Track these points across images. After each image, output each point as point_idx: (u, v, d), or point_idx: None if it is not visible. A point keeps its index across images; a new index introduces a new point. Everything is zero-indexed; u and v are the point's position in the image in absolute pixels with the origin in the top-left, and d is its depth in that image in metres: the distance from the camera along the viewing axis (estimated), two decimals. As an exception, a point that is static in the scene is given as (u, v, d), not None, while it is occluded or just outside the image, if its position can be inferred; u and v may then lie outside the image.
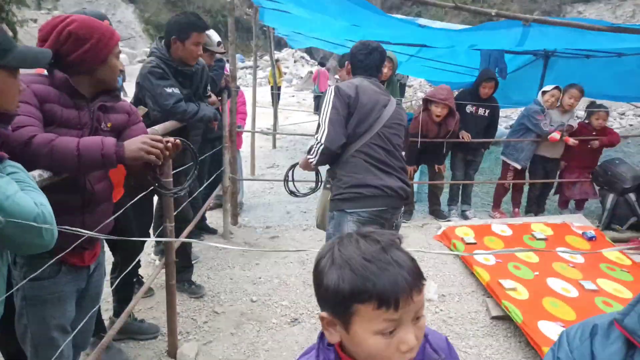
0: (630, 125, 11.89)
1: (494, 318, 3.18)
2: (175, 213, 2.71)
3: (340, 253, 0.84)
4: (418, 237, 4.57)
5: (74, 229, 1.15)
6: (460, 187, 5.23)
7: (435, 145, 4.76)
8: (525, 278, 3.45)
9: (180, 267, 3.29)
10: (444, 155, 4.92)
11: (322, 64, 15.78)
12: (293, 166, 2.99)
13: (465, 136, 4.77)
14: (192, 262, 3.61)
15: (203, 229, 4.51)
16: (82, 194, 1.80)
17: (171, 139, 1.81)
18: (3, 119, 1.31)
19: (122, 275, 2.58)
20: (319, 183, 2.99)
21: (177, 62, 2.98)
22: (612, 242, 4.23)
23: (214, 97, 3.67)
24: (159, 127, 2.54)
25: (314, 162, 2.46)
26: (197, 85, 3.23)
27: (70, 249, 1.73)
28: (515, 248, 3.85)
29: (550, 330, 2.77)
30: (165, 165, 2.02)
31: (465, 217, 5.13)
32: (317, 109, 14.86)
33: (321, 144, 2.37)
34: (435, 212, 5.16)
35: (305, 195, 3.05)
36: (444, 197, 5.42)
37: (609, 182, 4.78)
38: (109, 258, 2.70)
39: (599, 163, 5.10)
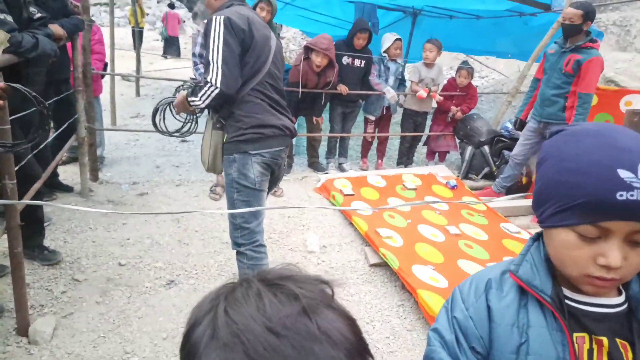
0: (486, 80, 13.25)
1: (372, 265, 3.30)
2: (16, 168, 2.23)
3: (228, 319, 0.47)
4: (298, 189, 4.53)
5: None
6: (338, 139, 5.29)
7: (314, 96, 4.69)
8: (400, 226, 3.63)
9: (27, 231, 2.79)
10: (322, 107, 4.88)
11: (171, 6, 15.42)
12: (167, 104, 2.69)
13: (343, 89, 4.77)
14: (44, 225, 3.10)
15: (55, 187, 3.90)
16: None
17: (1, 84, 1.40)
18: None
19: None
20: (194, 123, 2.78)
21: None
22: (470, 190, 4.67)
23: (58, 29, 3.04)
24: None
25: (202, 105, 2.23)
26: (21, 12, 2.60)
27: None
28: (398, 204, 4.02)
29: (423, 274, 2.96)
30: None
31: (343, 169, 5.23)
32: (165, 52, 14.16)
33: (216, 87, 2.13)
34: (314, 164, 5.17)
35: (181, 135, 2.80)
36: (322, 150, 5.45)
37: (467, 136, 5.22)
38: None
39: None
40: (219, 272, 3.12)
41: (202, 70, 4.11)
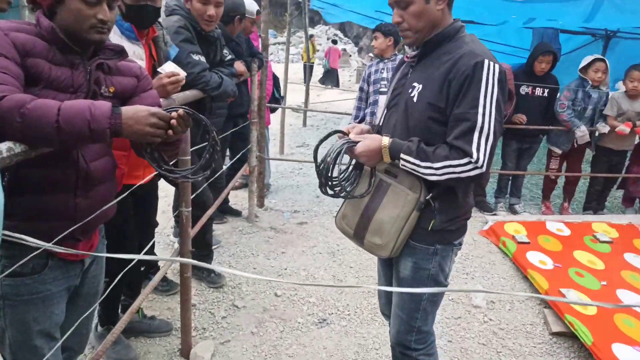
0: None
1: (554, 334, 2.74)
2: (192, 196, 2.36)
3: None
4: (461, 231, 4.13)
5: (24, 238, 0.75)
6: (510, 178, 4.74)
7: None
8: (591, 288, 2.99)
9: (199, 255, 2.98)
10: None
11: (334, 42, 17.89)
12: (338, 153, 1.62)
13: (521, 119, 4.25)
14: (212, 248, 3.29)
15: (226, 211, 4.19)
16: (75, 171, 1.45)
17: (180, 110, 1.42)
18: None
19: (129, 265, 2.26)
20: (370, 184, 1.73)
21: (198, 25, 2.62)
22: (688, 249, 3.69)
23: (241, 66, 3.27)
24: (177, 97, 2.17)
25: (440, 179, 1.52)
26: (216, 53, 2.86)
27: (58, 238, 1.40)
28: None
29: (627, 356, 2.33)
30: (179, 144, 1.63)
31: (514, 212, 4.65)
32: (324, 82, 14.94)
33: (479, 168, 1.46)
34: (480, 203, 4.69)
35: (352, 197, 1.76)
36: (490, 188, 4.94)
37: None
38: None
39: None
40: (372, 315, 2.91)
41: (363, 106, 4.07)
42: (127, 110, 1.29)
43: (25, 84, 1.30)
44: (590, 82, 4.33)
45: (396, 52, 4.02)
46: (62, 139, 1.20)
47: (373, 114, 4.08)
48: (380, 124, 1.84)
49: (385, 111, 1.80)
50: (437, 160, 1.49)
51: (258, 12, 3.79)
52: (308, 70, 9.42)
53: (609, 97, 4.44)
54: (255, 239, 3.83)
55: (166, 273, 2.71)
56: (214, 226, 3.70)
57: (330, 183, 1.67)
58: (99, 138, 1.25)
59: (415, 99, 1.58)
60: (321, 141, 1.68)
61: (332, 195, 1.70)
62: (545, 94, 4.41)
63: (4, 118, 1.15)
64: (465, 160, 1.46)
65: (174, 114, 1.39)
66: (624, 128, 4.18)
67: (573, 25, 5.66)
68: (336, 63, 15.94)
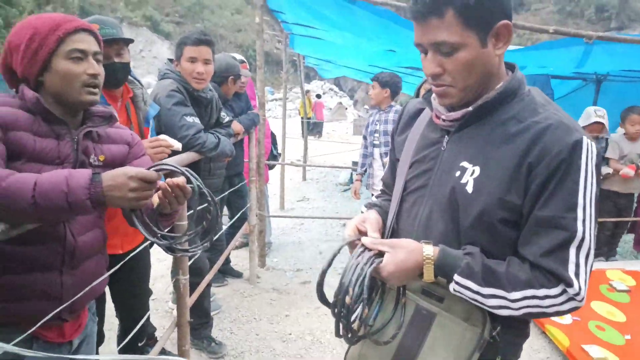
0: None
1: (582, 396, 2.55)
2: (190, 263, 2.25)
3: None
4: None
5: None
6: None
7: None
8: (615, 343, 2.81)
9: (196, 324, 2.82)
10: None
11: (318, 96, 18.78)
12: (361, 283, 1.05)
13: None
14: (212, 314, 3.13)
15: (227, 273, 4.05)
16: (62, 246, 1.36)
17: (180, 180, 1.36)
18: None
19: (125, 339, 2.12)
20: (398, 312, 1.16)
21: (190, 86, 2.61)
22: None
23: (238, 126, 3.25)
24: (172, 160, 2.11)
25: (517, 313, 1.02)
26: (211, 115, 2.83)
27: (41, 322, 1.29)
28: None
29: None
30: (175, 214, 1.55)
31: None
32: (311, 133, 15.54)
33: (577, 301, 1.00)
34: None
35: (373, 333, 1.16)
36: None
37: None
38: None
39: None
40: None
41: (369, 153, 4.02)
42: (105, 175, 1.20)
43: (9, 157, 1.24)
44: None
45: (392, 103, 3.97)
46: (40, 215, 1.13)
47: (369, 165, 4.04)
48: (395, 213, 1.24)
49: (402, 193, 1.22)
50: (514, 288, 0.99)
51: (242, 61, 3.80)
52: (305, 124, 9.53)
53: (609, 140, 4.42)
54: (257, 302, 3.66)
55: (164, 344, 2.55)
56: (214, 289, 3.55)
57: (352, 324, 1.07)
58: (79, 210, 1.17)
59: (469, 189, 1.05)
60: (329, 264, 1.08)
61: (355, 342, 1.13)
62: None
63: None
64: (558, 289, 0.98)
65: (179, 180, 1.33)
66: (628, 171, 4.13)
67: (564, 71, 5.77)
68: (321, 116, 17.09)
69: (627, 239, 4.96)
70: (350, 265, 1.06)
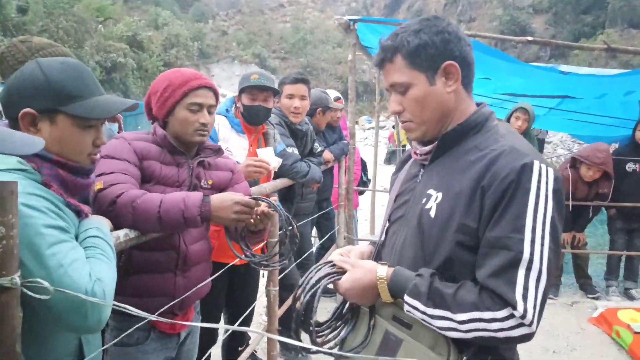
0: None
1: None
2: (280, 277, 2.53)
3: None
4: (567, 318, 3.78)
5: (136, 310, 0.95)
6: (623, 259, 4.31)
7: (578, 209, 4.02)
8: None
9: (285, 334, 3.08)
10: (588, 222, 4.12)
11: (394, 127, 18.95)
12: (313, 292, 1.14)
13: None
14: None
15: (317, 292, 4.29)
16: (176, 253, 1.70)
17: (264, 206, 1.66)
18: (77, 171, 1.24)
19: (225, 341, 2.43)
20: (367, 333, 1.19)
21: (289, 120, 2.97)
22: None
23: (328, 155, 3.55)
24: (268, 185, 2.44)
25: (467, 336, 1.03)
26: (305, 145, 3.19)
27: (160, 311, 1.61)
28: None
29: None
30: (264, 233, 1.84)
31: (630, 297, 4.16)
32: (389, 162, 15.32)
33: (526, 326, 0.98)
34: (585, 286, 4.29)
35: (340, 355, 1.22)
36: (598, 268, 4.51)
37: None
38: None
39: None
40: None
41: None
42: (214, 198, 1.54)
43: (142, 180, 1.62)
44: None
45: None
46: (163, 226, 1.47)
47: None
48: (382, 241, 1.31)
49: (387, 224, 1.31)
50: (459, 310, 1.00)
51: (338, 98, 4.11)
52: (399, 152, 9.66)
53: None
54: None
55: (256, 352, 2.84)
56: (297, 304, 3.81)
57: (309, 330, 1.13)
58: (191, 224, 1.50)
59: (432, 214, 1.11)
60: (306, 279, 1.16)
61: (312, 350, 1.07)
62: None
63: (119, 211, 1.44)
64: (505, 312, 0.97)
65: (263, 207, 1.62)
66: None
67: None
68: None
69: None
70: (310, 277, 1.16)
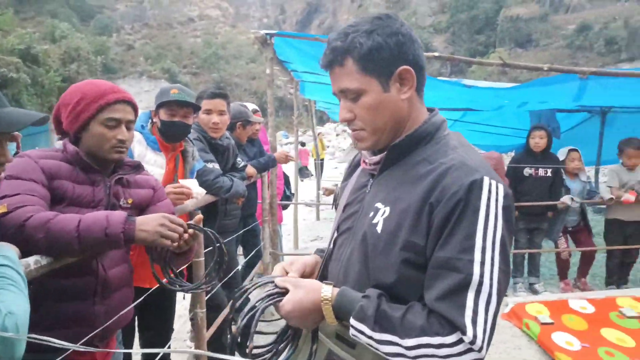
0: None
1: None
2: (207, 298, 2.43)
3: None
4: (482, 315, 4.02)
5: (57, 341, 0.84)
6: (526, 256, 4.70)
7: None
8: (624, 368, 2.85)
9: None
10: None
11: (302, 144, 18.95)
12: (250, 317, 1.05)
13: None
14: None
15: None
16: (95, 278, 1.56)
17: (190, 230, 1.57)
18: None
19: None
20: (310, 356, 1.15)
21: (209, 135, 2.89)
22: None
23: (251, 169, 3.50)
24: (190, 202, 2.33)
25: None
26: (227, 160, 3.11)
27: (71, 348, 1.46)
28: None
29: None
30: (190, 254, 1.73)
31: (535, 291, 4.54)
32: (301, 177, 15.86)
33: (475, 351, 0.93)
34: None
35: None
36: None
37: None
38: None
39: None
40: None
41: None
42: (139, 217, 1.44)
43: (52, 202, 1.48)
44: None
45: None
46: (82, 246, 1.34)
47: None
48: (329, 252, 1.26)
49: (335, 234, 1.24)
50: (407, 335, 0.94)
51: (256, 111, 4.08)
52: (318, 165, 9.80)
53: (608, 170, 4.55)
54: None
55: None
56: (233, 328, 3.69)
57: (245, 354, 1.05)
58: (113, 242, 1.38)
59: (379, 229, 1.05)
60: (241, 295, 1.13)
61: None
62: (549, 174, 4.53)
63: (30, 235, 1.30)
64: (454, 337, 0.92)
65: (188, 229, 1.54)
66: (629, 197, 4.23)
67: (564, 105, 5.95)
68: (306, 161, 18.20)
69: (639, 266, 4.96)
70: (248, 299, 1.08)
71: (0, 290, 1.00)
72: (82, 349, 0.94)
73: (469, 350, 0.91)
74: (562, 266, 4.74)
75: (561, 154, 4.67)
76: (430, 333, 0.92)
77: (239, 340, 1.04)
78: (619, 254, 4.52)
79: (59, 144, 1.65)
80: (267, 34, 4.06)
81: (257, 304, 1.04)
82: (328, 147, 23.39)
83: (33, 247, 1.31)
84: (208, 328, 2.51)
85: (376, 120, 1.08)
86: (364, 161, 1.20)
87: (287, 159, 4.00)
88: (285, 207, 5.10)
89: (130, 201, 1.70)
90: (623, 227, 4.46)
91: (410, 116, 1.10)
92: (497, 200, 0.97)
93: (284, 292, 1.07)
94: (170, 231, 1.46)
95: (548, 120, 6.40)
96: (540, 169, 4.54)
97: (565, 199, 4.36)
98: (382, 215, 1.06)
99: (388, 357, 0.96)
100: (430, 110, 1.15)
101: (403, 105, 1.08)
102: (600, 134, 7.00)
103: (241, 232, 3.78)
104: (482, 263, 0.93)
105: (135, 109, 1.67)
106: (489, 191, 0.97)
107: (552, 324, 3.48)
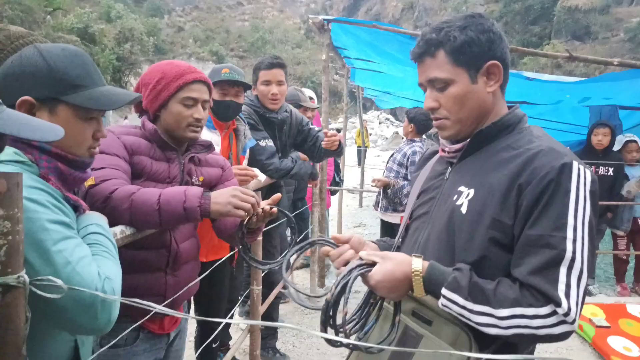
0: None
1: None
2: (262, 275, 2.49)
3: None
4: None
5: (143, 302, 0.89)
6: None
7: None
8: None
9: (265, 333, 3.04)
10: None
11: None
12: (342, 286, 1.06)
13: None
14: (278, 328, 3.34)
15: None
16: (167, 251, 1.63)
17: (266, 207, 1.61)
18: (76, 164, 1.16)
19: (204, 343, 2.36)
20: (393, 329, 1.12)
21: (264, 109, 2.81)
22: None
23: (303, 154, 3.51)
24: (252, 184, 2.39)
25: (506, 333, 1.00)
26: (287, 135, 2.98)
27: (150, 315, 1.54)
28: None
29: None
30: (259, 232, 1.80)
31: (589, 293, 4.39)
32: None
33: (568, 324, 0.96)
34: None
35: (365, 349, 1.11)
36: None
37: None
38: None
39: None
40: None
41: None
42: (213, 192, 1.48)
43: (132, 177, 1.55)
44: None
45: (416, 139, 4.01)
46: (162, 218, 1.40)
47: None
48: (400, 241, 1.31)
49: (408, 222, 1.30)
50: (501, 305, 0.98)
51: (311, 98, 4.08)
52: (363, 153, 9.77)
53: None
54: (317, 319, 3.81)
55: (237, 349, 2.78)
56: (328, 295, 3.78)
57: (336, 322, 1.07)
58: (191, 215, 1.42)
59: (464, 210, 1.10)
60: (297, 251, 1.28)
61: (340, 344, 1.01)
62: (610, 173, 4.33)
63: (115, 206, 1.37)
64: (548, 309, 0.95)
65: (264, 206, 1.59)
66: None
67: (630, 102, 5.64)
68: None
69: None
70: (341, 272, 1.10)
71: (97, 257, 1.06)
72: (167, 311, 0.98)
73: (562, 322, 0.95)
74: (620, 268, 4.54)
75: (617, 144, 4.43)
76: (523, 304, 0.96)
77: (332, 308, 1.05)
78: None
79: (126, 121, 1.73)
80: (324, 19, 4.06)
81: (349, 273, 1.06)
82: (371, 134, 23.22)
83: (117, 218, 1.38)
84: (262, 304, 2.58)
85: (461, 110, 1.14)
86: (442, 150, 1.25)
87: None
88: (334, 192, 5.13)
89: (201, 179, 1.76)
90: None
91: (493, 109, 1.16)
92: (585, 184, 1.02)
93: (372, 264, 1.07)
94: (243, 202, 1.47)
95: (609, 117, 6.08)
96: (600, 168, 4.35)
97: (631, 184, 4.15)
98: (467, 197, 1.11)
99: (479, 327, 0.99)
100: (510, 105, 1.21)
101: (487, 98, 1.14)
102: (666, 132, 6.62)
103: (292, 215, 3.83)
104: (574, 240, 0.98)
105: (210, 89, 1.71)
106: (578, 174, 1.02)
107: (608, 327, 3.36)
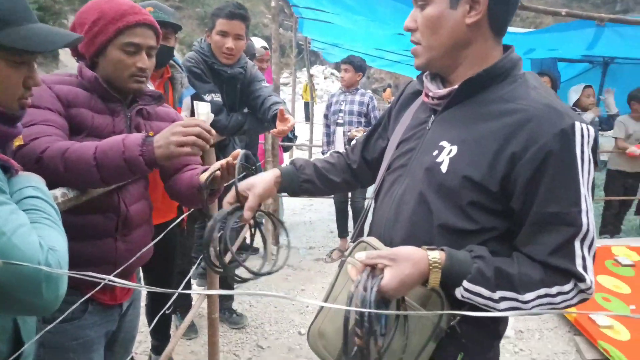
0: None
1: (589, 362, 2.69)
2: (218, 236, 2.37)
3: None
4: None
5: (93, 275, 0.74)
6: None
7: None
8: (621, 313, 2.94)
9: (221, 295, 2.95)
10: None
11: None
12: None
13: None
14: (234, 287, 3.26)
15: (245, 249, 4.17)
16: (116, 215, 1.47)
17: (230, 159, 1.46)
18: (4, 118, 0.98)
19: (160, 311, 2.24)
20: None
21: (214, 59, 2.53)
22: None
23: None
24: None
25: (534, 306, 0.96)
26: (239, 93, 2.69)
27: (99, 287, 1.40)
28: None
29: (668, 382, 2.27)
30: (218, 194, 1.60)
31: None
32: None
33: (587, 293, 0.95)
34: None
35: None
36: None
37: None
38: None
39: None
40: (400, 351, 2.86)
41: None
42: (155, 136, 1.28)
43: (71, 132, 1.35)
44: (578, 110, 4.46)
45: (358, 87, 4.19)
46: (102, 175, 1.22)
47: (330, 143, 4.22)
48: (376, 191, 1.22)
49: (385, 173, 1.20)
50: (527, 289, 0.94)
51: (265, 48, 3.88)
52: (311, 108, 9.61)
53: (616, 120, 4.51)
54: (273, 277, 3.79)
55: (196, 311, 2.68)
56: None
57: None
58: (135, 167, 1.24)
59: (444, 168, 1.01)
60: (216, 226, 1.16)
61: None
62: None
63: (49, 167, 1.18)
64: (570, 285, 0.94)
65: (229, 159, 1.44)
66: (634, 149, 4.24)
67: (574, 54, 5.82)
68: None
69: (630, 217, 5.07)
70: (352, 297, 0.88)
71: (36, 224, 0.91)
72: (119, 282, 0.84)
73: (582, 292, 0.94)
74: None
75: (575, 91, 4.56)
76: (549, 284, 0.94)
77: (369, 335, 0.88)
78: (616, 205, 4.59)
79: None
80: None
81: (365, 301, 0.86)
82: (317, 89, 22.91)
83: (54, 179, 1.20)
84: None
85: (432, 36, 1.02)
86: (426, 95, 1.11)
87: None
88: (286, 149, 4.99)
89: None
90: (624, 178, 4.50)
91: (474, 47, 1.02)
92: (589, 143, 0.94)
93: (380, 268, 0.92)
94: (186, 136, 1.25)
95: (549, 68, 6.28)
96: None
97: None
98: (448, 154, 1.01)
99: (500, 313, 0.85)
100: (507, 48, 1.06)
101: (463, 30, 1.00)
102: (600, 85, 6.94)
103: (243, 174, 3.68)
104: (587, 211, 0.93)
105: (157, 34, 1.50)
106: (582, 136, 0.92)
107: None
